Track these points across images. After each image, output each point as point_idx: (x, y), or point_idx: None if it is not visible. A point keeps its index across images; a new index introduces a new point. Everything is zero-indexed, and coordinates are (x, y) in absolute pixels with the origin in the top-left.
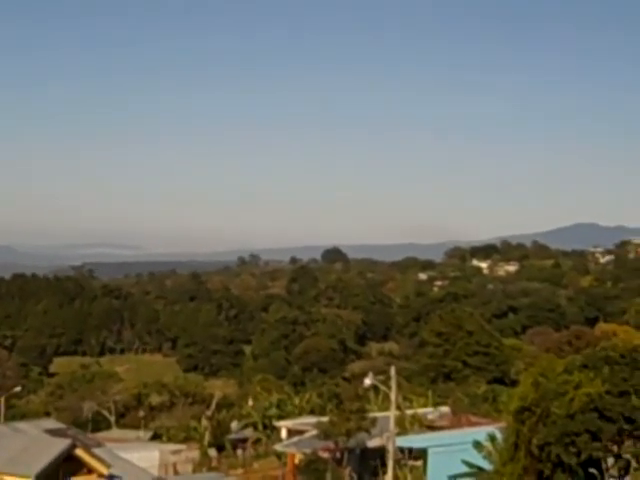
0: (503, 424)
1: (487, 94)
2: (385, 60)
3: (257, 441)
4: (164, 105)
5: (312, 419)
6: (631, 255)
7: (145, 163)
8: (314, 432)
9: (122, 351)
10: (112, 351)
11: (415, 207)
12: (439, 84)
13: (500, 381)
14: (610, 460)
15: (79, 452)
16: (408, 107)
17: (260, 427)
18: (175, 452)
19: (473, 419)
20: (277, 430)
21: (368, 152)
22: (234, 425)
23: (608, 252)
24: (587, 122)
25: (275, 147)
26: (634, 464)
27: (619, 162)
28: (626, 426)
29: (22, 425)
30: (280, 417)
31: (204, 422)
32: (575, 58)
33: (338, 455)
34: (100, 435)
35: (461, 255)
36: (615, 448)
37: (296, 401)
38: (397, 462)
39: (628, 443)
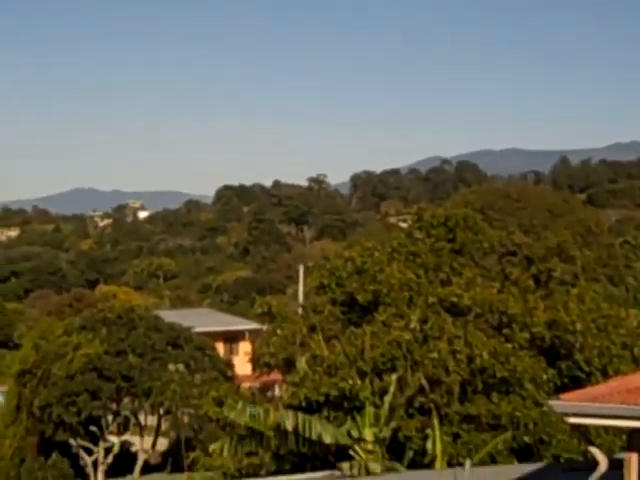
0: (5, 388)
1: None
2: None
3: None
4: None
5: None
6: (129, 218)
7: None
8: None
9: None
10: None
11: None
12: None
13: (4, 345)
14: (110, 417)
15: None
16: None
17: None
18: None
19: None
20: None
21: None
22: None
23: (107, 216)
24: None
25: None
26: (133, 420)
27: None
28: (124, 384)
29: None
30: None
31: None
32: None
33: None
34: None
35: None
36: (114, 406)
37: None
38: None
39: (126, 400)
